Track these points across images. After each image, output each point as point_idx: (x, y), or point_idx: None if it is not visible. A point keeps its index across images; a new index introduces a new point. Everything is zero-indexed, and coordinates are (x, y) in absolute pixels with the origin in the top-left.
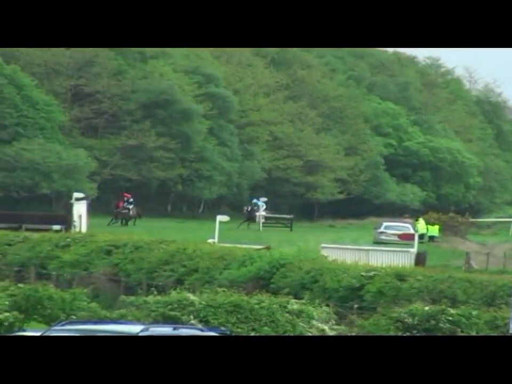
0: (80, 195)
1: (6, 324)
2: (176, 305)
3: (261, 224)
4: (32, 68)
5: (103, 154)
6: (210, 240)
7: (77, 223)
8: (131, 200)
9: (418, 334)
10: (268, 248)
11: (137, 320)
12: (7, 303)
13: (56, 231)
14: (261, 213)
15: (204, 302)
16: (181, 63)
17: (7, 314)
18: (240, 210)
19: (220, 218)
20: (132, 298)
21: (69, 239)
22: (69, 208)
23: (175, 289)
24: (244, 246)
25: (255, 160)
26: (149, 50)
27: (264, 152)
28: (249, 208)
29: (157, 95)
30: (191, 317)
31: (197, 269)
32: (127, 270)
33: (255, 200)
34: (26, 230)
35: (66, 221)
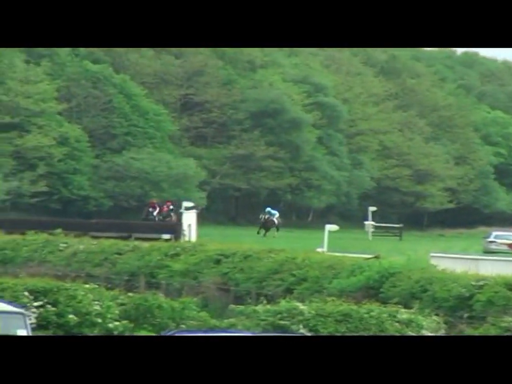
0: (190, 204)
1: (116, 332)
2: (285, 315)
3: (370, 233)
4: (141, 77)
5: (212, 164)
6: (319, 249)
7: (186, 232)
8: (171, 207)
9: None
10: (377, 257)
11: (247, 329)
12: (117, 312)
13: (166, 240)
14: (370, 222)
15: (313, 311)
16: (290, 72)
17: (117, 323)
18: (349, 220)
19: (329, 227)
20: (241, 307)
21: (178, 248)
22: (178, 217)
23: (284, 298)
24: (353, 255)
25: (364, 169)
26: (259, 60)
27: (373, 162)
28: (265, 217)
29: (266, 105)
30: (301, 326)
31: (306, 278)
32: (237, 279)
33: (268, 209)
34: (136, 239)
35: (176, 230)
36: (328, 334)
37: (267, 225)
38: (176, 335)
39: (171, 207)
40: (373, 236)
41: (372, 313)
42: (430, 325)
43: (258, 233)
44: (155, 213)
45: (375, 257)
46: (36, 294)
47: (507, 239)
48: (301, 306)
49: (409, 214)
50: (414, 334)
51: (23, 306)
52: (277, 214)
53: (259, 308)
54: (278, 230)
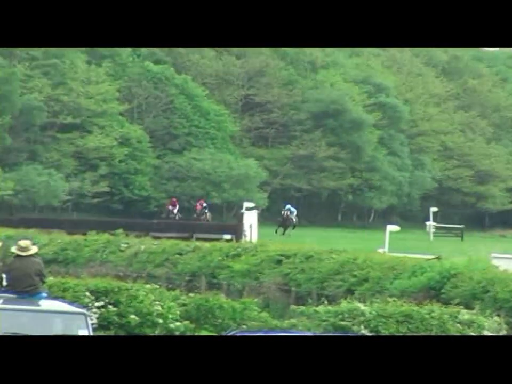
0: (251, 205)
1: (177, 333)
2: (346, 315)
3: (431, 234)
4: (203, 78)
5: (273, 164)
6: (380, 250)
7: (247, 233)
8: (205, 205)
9: None
10: (438, 258)
11: (308, 330)
12: (178, 312)
13: (227, 240)
14: (431, 222)
15: (374, 312)
16: (351, 73)
17: (178, 323)
18: (410, 220)
19: (390, 228)
20: (302, 308)
21: (239, 249)
22: (240, 218)
23: (345, 299)
24: (415, 255)
25: (426, 170)
26: (320, 60)
27: (434, 162)
28: (287, 214)
29: (327, 105)
30: (362, 326)
31: (367, 279)
32: (298, 279)
33: (288, 206)
34: (197, 239)
35: (237, 230)
36: (388, 334)
37: (286, 224)
38: (237, 335)
39: (204, 204)
40: (434, 236)
41: (433, 314)
42: (492, 326)
43: (276, 232)
44: (175, 211)
45: (437, 258)
46: (97, 294)
47: None
48: (362, 307)
49: (471, 215)
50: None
51: (85, 306)
52: (295, 212)
53: (320, 308)
54: (294, 227)
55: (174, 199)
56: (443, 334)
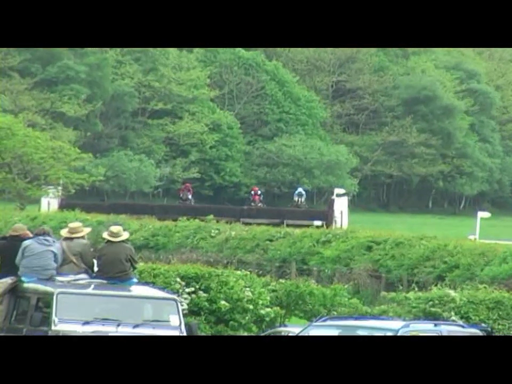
0: (342, 191)
1: (267, 319)
2: (437, 302)
3: None
4: (294, 64)
5: (364, 151)
6: (471, 236)
7: (338, 219)
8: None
9: None
10: None
11: (398, 316)
12: (268, 298)
13: (317, 226)
14: None
15: (464, 299)
16: (442, 59)
17: (268, 309)
18: (501, 207)
19: (481, 214)
20: (393, 294)
21: (330, 235)
22: (330, 204)
23: (436, 285)
24: (506, 242)
25: None
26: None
27: None
28: (300, 200)
29: (419, 91)
30: (452, 313)
31: (458, 265)
32: (388, 266)
33: (300, 189)
34: (288, 225)
35: (328, 216)
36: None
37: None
38: (328, 323)
39: (259, 192)
40: None
41: None
42: None
43: None
44: (190, 196)
45: None
46: (188, 280)
47: None
48: (452, 293)
49: None
50: None
51: (175, 292)
52: (304, 194)
53: (410, 294)
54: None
55: (188, 184)
56: None
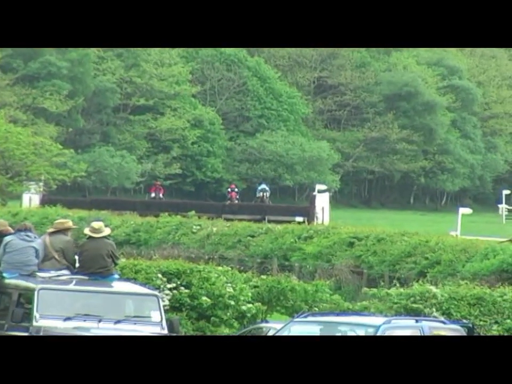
0: (323, 187)
1: (249, 315)
2: (418, 298)
3: (504, 217)
4: (275, 60)
5: (345, 147)
6: (452, 233)
7: (319, 215)
8: (236, 190)
9: None
10: (511, 240)
11: (380, 313)
12: (250, 294)
13: (299, 222)
14: (504, 205)
15: (446, 295)
16: (424, 56)
17: (250, 305)
18: (483, 203)
19: (463, 210)
20: (374, 290)
21: (311, 231)
22: (312, 200)
23: (417, 281)
24: (487, 238)
25: (498, 153)
26: None
27: (507, 145)
28: (265, 195)
29: (400, 88)
30: (434, 309)
31: (440, 262)
32: (370, 262)
33: (263, 185)
34: (269, 221)
35: (309, 212)
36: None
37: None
38: (309, 319)
39: (236, 189)
40: (506, 219)
41: (506, 297)
42: None
43: None
44: (161, 195)
45: (509, 240)
46: (169, 276)
47: None
48: (434, 289)
49: None
50: None
51: (157, 288)
52: (268, 190)
53: (392, 291)
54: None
55: (158, 183)
56: None
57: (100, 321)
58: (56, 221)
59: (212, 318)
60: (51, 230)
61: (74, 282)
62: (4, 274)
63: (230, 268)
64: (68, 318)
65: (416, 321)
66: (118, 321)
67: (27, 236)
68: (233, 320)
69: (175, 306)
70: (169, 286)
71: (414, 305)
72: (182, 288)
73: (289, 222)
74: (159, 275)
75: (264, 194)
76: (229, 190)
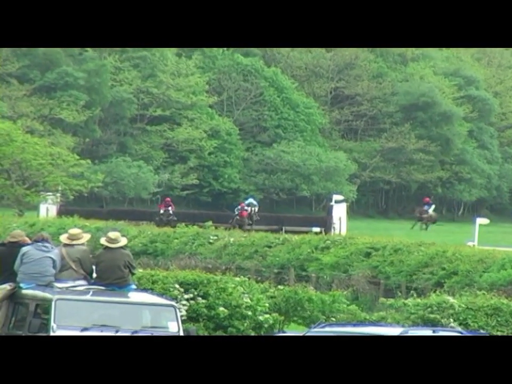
0: (340, 197)
1: (266, 325)
2: (435, 308)
3: None
4: (292, 70)
5: (362, 157)
6: (469, 243)
7: (336, 225)
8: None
9: None
10: None
11: (397, 323)
12: (267, 304)
13: (316, 233)
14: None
15: (463, 305)
16: (441, 66)
17: (267, 316)
18: (500, 213)
19: (480, 221)
20: (391, 300)
21: (328, 241)
22: (329, 210)
23: (434, 291)
24: (504, 248)
25: None
26: (410, 53)
27: None
28: (254, 210)
29: (417, 98)
30: (451, 319)
31: (457, 272)
32: (387, 272)
33: (251, 199)
34: (286, 232)
35: (326, 223)
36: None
37: (243, 222)
38: (326, 329)
39: (246, 208)
40: None
41: None
42: None
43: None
44: (171, 211)
45: None
46: (186, 286)
47: None
48: (451, 300)
49: None
50: None
51: (174, 298)
52: (256, 204)
53: (409, 301)
54: (252, 224)
55: (168, 199)
56: None
57: (117, 331)
58: (70, 232)
59: (229, 329)
60: (66, 241)
61: (91, 292)
62: (21, 285)
63: (247, 278)
64: (85, 329)
65: (433, 331)
66: (135, 332)
67: (44, 246)
68: (250, 330)
69: (192, 317)
70: (186, 296)
71: (431, 316)
72: (199, 298)
73: (306, 232)
74: (176, 285)
75: (253, 209)
76: (239, 208)
